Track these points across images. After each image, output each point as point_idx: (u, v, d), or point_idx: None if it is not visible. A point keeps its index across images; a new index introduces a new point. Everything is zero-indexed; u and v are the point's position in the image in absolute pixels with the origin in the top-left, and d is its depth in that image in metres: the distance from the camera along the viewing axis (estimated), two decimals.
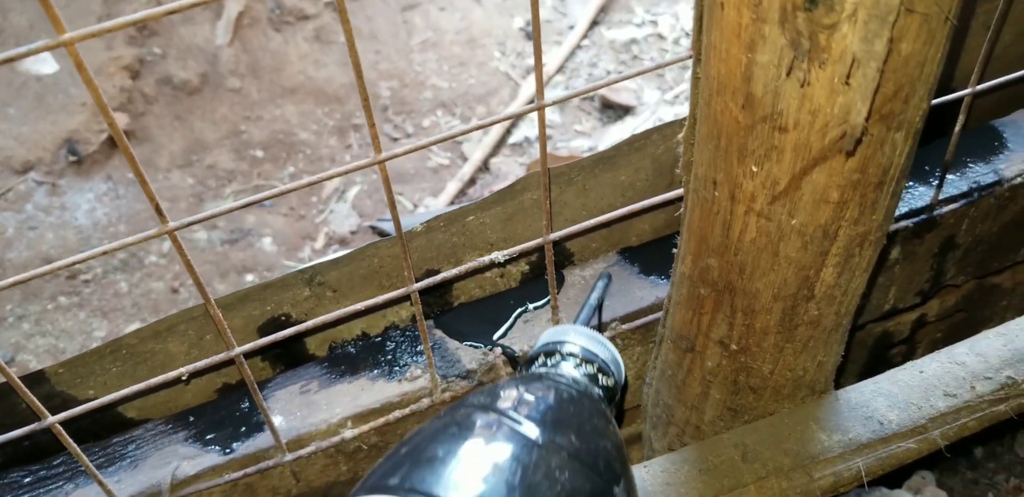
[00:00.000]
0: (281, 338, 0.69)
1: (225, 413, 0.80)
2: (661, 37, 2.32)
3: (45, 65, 2.09)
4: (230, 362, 0.69)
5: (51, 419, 0.64)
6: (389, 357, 0.82)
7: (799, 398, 0.71)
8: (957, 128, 0.81)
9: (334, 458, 0.79)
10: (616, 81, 0.66)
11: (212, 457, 0.76)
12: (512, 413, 0.55)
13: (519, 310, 0.85)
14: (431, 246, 0.81)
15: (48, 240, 1.93)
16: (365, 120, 2.12)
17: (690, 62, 0.62)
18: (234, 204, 0.59)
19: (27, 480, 0.76)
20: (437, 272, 0.83)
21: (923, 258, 0.92)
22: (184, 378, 0.68)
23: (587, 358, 0.68)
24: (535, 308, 0.85)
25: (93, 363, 0.76)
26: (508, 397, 0.57)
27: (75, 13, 2.13)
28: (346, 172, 0.60)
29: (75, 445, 0.66)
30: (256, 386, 0.70)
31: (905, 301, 0.96)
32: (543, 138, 0.66)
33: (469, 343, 0.82)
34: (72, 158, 2.02)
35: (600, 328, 0.82)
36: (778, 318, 0.63)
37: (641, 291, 0.85)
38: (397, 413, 0.79)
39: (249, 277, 1.88)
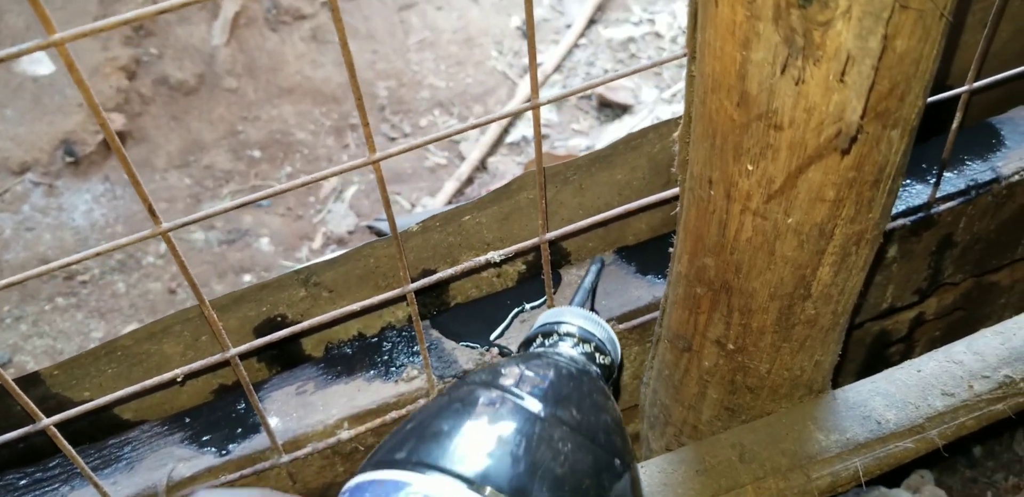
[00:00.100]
0: (276, 339, 0.69)
1: (221, 414, 0.80)
2: (658, 35, 2.31)
3: (41, 66, 2.09)
4: (226, 363, 0.69)
5: (46, 421, 0.64)
6: (385, 357, 0.82)
7: (796, 398, 0.70)
8: (954, 126, 0.81)
9: (330, 459, 0.79)
10: (611, 79, 0.66)
11: (208, 459, 0.76)
12: (514, 389, 0.56)
13: (516, 310, 0.84)
14: (427, 246, 0.81)
15: (45, 241, 1.93)
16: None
17: (687, 61, 0.62)
18: (228, 204, 0.58)
19: (23, 482, 0.76)
20: (433, 272, 0.82)
21: (921, 256, 0.92)
22: (179, 380, 0.68)
23: (584, 337, 0.69)
24: (532, 308, 0.85)
25: (89, 365, 0.76)
26: (509, 374, 0.58)
27: (71, 14, 2.13)
28: (340, 172, 0.60)
29: (70, 447, 0.66)
30: (252, 387, 0.69)
31: (903, 299, 0.96)
32: (538, 137, 0.66)
33: (466, 343, 0.82)
34: (69, 159, 2.02)
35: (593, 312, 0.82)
36: (775, 317, 0.62)
37: (638, 290, 0.85)
38: (394, 414, 0.79)
39: (247, 277, 1.88)
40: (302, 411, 0.78)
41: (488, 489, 0.49)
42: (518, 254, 0.84)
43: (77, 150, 2.02)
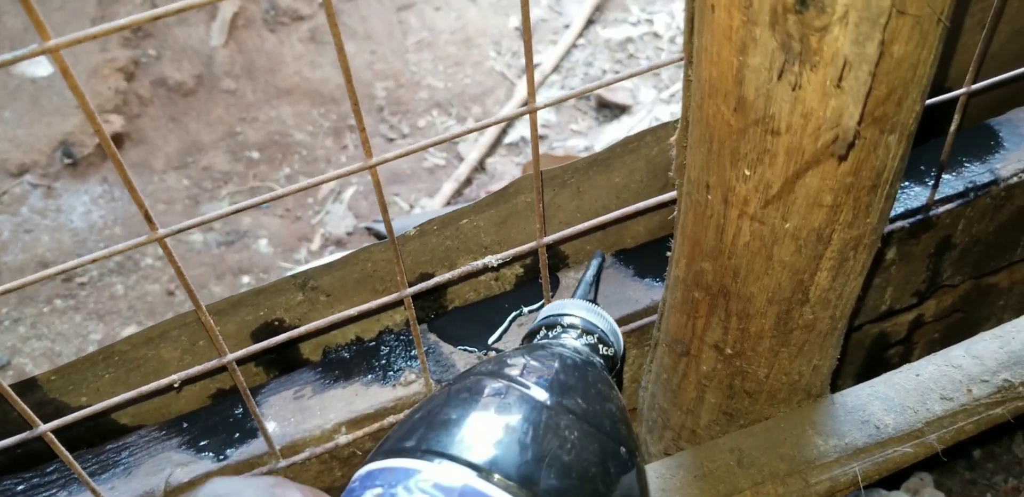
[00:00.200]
0: (273, 345, 0.68)
1: (219, 419, 0.80)
2: (657, 36, 2.31)
3: (40, 67, 2.08)
4: (224, 368, 0.69)
5: (43, 427, 0.64)
6: (383, 362, 0.82)
7: (795, 402, 0.70)
8: (952, 128, 0.81)
9: (328, 464, 0.79)
10: (609, 83, 0.66)
11: (206, 464, 0.76)
12: (520, 378, 0.57)
13: (514, 314, 0.84)
14: (425, 250, 0.81)
15: (44, 243, 1.93)
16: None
17: (683, 65, 0.61)
18: (225, 210, 0.58)
19: (20, 488, 0.76)
20: (431, 276, 0.82)
21: (919, 259, 0.92)
22: (176, 385, 0.68)
23: (587, 329, 0.69)
24: (530, 311, 0.85)
25: (86, 370, 0.75)
26: (515, 364, 0.59)
27: (69, 15, 2.12)
28: (338, 177, 0.60)
29: (67, 453, 0.65)
30: (249, 392, 0.69)
31: (902, 302, 0.96)
32: (535, 142, 0.66)
33: (463, 347, 0.82)
34: (67, 160, 2.02)
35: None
36: (773, 322, 0.62)
37: (636, 294, 0.85)
38: (392, 418, 0.78)
39: (245, 279, 1.88)
40: (300, 416, 0.78)
41: (496, 476, 0.50)
42: (516, 257, 0.84)
43: (75, 152, 2.02)
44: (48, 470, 0.77)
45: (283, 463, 0.75)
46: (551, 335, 0.70)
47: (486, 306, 0.86)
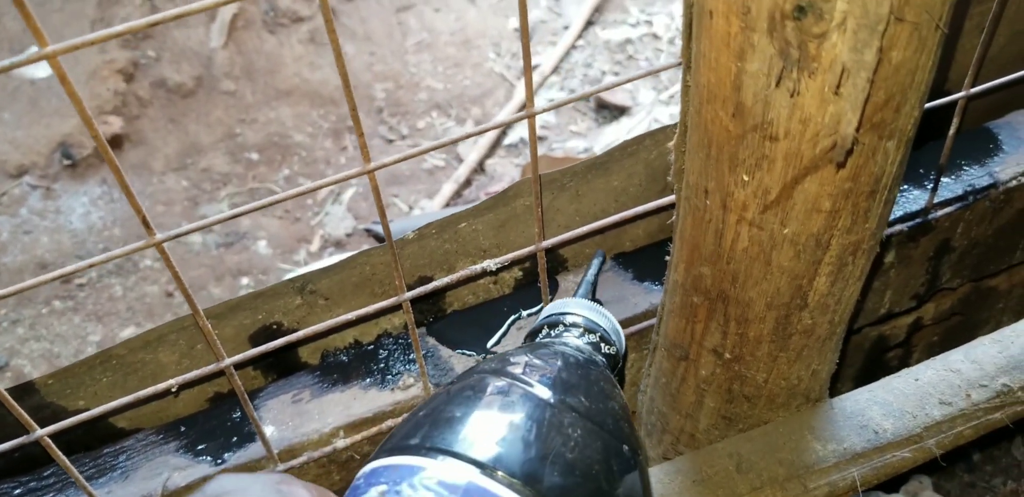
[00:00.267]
0: (270, 350, 0.68)
1: (217, 423, 0.79)
2: (656, 37, 2.31)
3: (39, 69, 2.08)
4: (221, 372, 0.68)
5: (40, 432, 0.64)
6: (382, 365, 0.82)
7: (794, 407, 0.70)
8: (951, 131, 0.81)
9: (326, 468, 0.79)
10: (608, 88, 0.66)
11: (203, 468, 0.75)
12: (523, 376, 0.57)
13: (513, 317, 0.84)
14: (423, 253, 0.81)
15: (43, 244, 1.93)
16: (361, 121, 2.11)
17: (682, 69, 0.61)
18: (223, 215, 0.58)
19: (17, 492, 0.75)
20: (430, 279, 0.82)
21: (918, 262, 0.91)
22: (174, 390, 0.68)
23: (589, 328, 0.70)
24: (529, 315, 0.85)
25: (83, 374, 0.75)
26: (518, 363, 0.59)
27: (68, 16, 2.12)
28: (335, 182, 0.60)
29: (64, 457, 0.65)
30: (247, 397, 0.69)
31: (901, 305, 0.96)
32: (534, 146, 0.66)
33: (462, 351, 0.82)
34: (66, 162, 2.01)
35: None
36: (771, 327, 0.62)
37: (635, 297, 0.85)
38: (390, 422, 0.78)
39: (244, 280, 1.88)
40: (298, 420, 0.78)
41: (500, 473, 0.50)
42: (515, 261, 0.84)
43: (74, 153, 2.01)
44: (45, 474, 0.77)
45: (281, 467, 0.75)
46: (553, 334, 0.70)
47: (485, 310, 0.86)
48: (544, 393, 0.56)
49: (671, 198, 0.76)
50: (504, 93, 2.22)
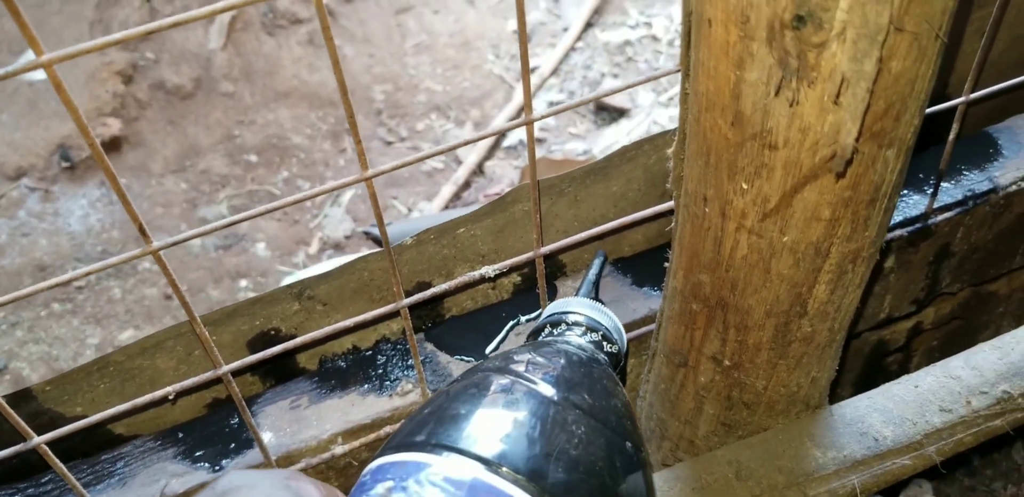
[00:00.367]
0: (268, 357, 0.68)
1: (214, 429, 0.79)
2: (655, 38, 2.31)
3: (38, 71, 2.08)
4: (219, 379, 0.68)
5: (37, 440, 0.63)
6: (380, 371, 0.82)
7: (793, 414, 0.70)
8: (951, 137, 0.81)
9: (324, 474, 0.79)
10: (607, 94, 0.66)
11: (201, 474, 0.75)
12: (526, 374, 0.58)
13: (511, 323, 0.84)
14: (422, 259, 0.80)
15: (41, 246, 1.93)
16: (360, 124, 2.11)
17: (680, 76, 0.61)
18: (218, 223, 0.58)
19: None
20: (428, 284, 0.82)
21: (918, 267, 0.91)
22: (171, 397, 0.67)
23: (592, 326, 0.70)
24: (527, 321, 0.84)
25: (80, 380, 0.75)
26: (521, 361, 0.60)
27: (67, 19, 2.12)
28: (332, 190, 0.59)
29: (62, 465, 0.65)
30: (244, 403, 0.69)
31: (900, 309, 0.96)
32: (532, 154, 0.65)
33: (460, 357, 0.81)
34: (65, 164, 2.01)
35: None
36: (771, 335, 0.62)
37: (634, 303, 0.84)
38: (388, 428, 0.78)
39: (243, 282, 1.87)
40: (296, 426, 0.78)
41: (505, 469, 0.50)
42: (514, 267, 0.83)
43: (73, 155, 2.01)
44: (43, 480, 0.76)
45: None
46: (556, 332, 0.70)
47: (483, 315, 0.86)
48: (548, 390, 0.56)
49: (670, 204, 0.76)
50: (503, 95, 2.22)
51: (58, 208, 1.99)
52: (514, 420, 0.53)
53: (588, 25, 2.35)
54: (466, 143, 0.62)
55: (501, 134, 2.09)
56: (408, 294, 0.79)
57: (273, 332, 0.79)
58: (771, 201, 0.53)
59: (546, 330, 0.71)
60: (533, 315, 0.85)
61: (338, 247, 1.93)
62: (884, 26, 0.42)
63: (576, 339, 0.69)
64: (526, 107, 0.63)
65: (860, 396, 0.73)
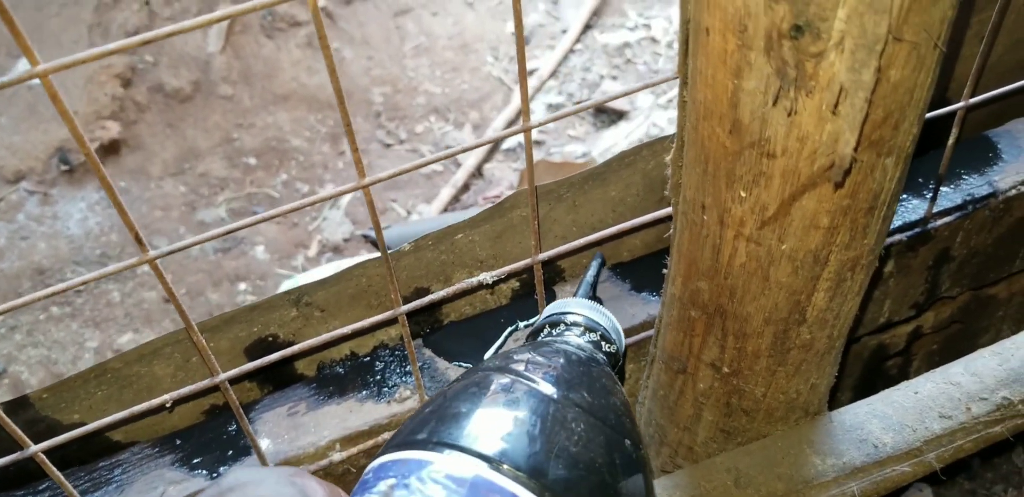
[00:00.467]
0: (266, 364, 0.68)
1: (212, 436, 0.79)
2: (654, 40, 2.31)
3: None
4: (217, 386, 0.68)
5: (34, 448, 0.63)
6: (378, 377, 0.81)
7: (792, 420, 0.70)
8: (950, 141, 0.80)
9: None
10: (606, 101, 0.65)
11: (199, 482, 0.75)
12: (526, 373, 0.58)
13: (510, 329, 0.84)
14: (420, 265, 0.80)
15: (40, 250, 1.92)
16: (359, 127, 2.11)
17: (678, 84, 0.61)
18: (220, 230, 0.58)
19: None
20: (427, 290, 0.82)
21: (918, 271, 0.91)
22: (168, 405, 0.67)
23: (590, 327, 0.70)
24: (525, 326, 0.84)
25: (78, 387, 0.75)
26: (521, 360, 0.60)
27: (66, 21, 2.12)
28: (329, 197, 0.59)
29: (58, 473, 0.65)
30: (242, 410, 0.69)
31: (900, 314, 0.95)
32: (530, 160, 0.65)
33: (458, 363, 0.81)
34: (64, 167, 2.01)
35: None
36: (770, 342, 0.62)
37: (633, 308, 0.84)
38: (386, 435, 0.78)
39: (242, 286, 1.87)
40: (293, 433, 0.78)
41: (506, 466, 0.51)
42: (512, 272, 0.83)
43: (72, 158, 2.01)
44: (40, 488, 0.76)
45: None
46: (555, 332, 0.71)
47: (482, 321, 0.86)
48: (548, 389, 0.57)
49: (669, 210, 0.76)
50: (502, 97, 2.22)
51: (57, 211, 1.98)
52: (515, 418, 0.54)
53: (587, 27, 2.35)
54: (465, 150, 0.62)
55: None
56: (406, 300, 0.79)
57: (271, 338, 0.79)
58: (769, 209, 0.53)
59: (545, 330, 0.72)
60: (531, 321, 0.84)
61: (337, 250, 1.93)
62: (883, 36, 0.42)
63: (575, 339, 0.69)
64: (524, 113, 0.62)
65: (859, 402, 0.73)
